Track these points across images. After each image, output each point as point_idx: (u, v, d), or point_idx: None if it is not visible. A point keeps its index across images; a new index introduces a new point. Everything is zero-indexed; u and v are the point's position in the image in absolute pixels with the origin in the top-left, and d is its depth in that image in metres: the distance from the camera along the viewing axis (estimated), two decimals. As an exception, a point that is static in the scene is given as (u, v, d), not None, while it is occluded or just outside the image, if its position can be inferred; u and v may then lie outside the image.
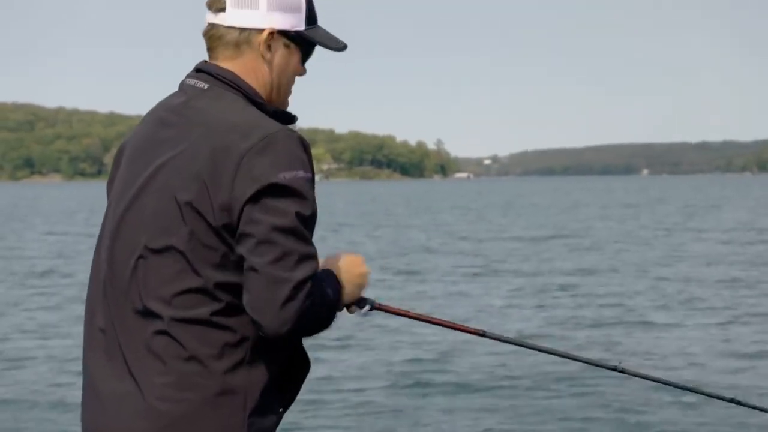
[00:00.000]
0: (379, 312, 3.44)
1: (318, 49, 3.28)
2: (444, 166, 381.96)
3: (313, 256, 2.95)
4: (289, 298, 2.86)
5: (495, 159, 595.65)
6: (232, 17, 3.10)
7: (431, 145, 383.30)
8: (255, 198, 2.89)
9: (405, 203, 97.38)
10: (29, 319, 19.06)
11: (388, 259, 34.16)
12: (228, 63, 3.14)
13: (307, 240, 2.95)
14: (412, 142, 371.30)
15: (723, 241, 40.99)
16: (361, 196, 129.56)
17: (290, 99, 3.30)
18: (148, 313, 2.97)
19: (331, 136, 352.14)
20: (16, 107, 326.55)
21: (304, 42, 3.19)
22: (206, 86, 3.12)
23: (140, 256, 2.99)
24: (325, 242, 39.50)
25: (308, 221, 2.95)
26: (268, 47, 3.13)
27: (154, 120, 3.16)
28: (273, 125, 3.02)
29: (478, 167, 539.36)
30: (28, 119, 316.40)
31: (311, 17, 3.21)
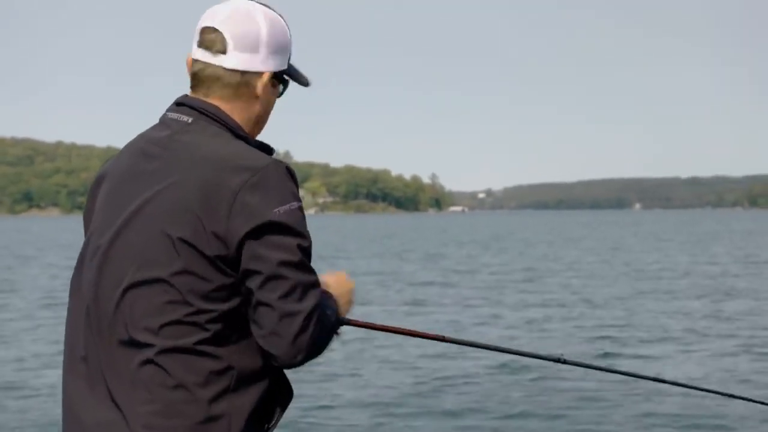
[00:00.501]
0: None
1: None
2: (439, 199, 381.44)
3: (317, 284, 3.03)
4: (302, 330, 2.93)
5: (489, 193, 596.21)
6: (234, 61, 3.12)
7: (426, 179, 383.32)
8: (254, 234, 2.92)
9: (399, 236, 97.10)
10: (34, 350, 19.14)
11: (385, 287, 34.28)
12: (220, 100, 3.15)
13: (311, 270, 3.02)
14: (407, 176, 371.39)
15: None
16: (356, 229, 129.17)
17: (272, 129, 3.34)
18: (134, 343, 2.97)
19: (326, 170, 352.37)
20: (16, 142, 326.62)
21: (285, 79, 3.26)
22: (190, 120, 3.12)
23: (126, 288, 2.99)
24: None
25: (308, 251, 3.01)
26: (262, 89, 3.19)
27: (135, 152, 3.15)
28: (261, 158, 3.05)
29: (472, 201, 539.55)
30: (28, 154, 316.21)
31: (290, 54, 3.28)
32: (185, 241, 2.93)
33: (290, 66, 3.25)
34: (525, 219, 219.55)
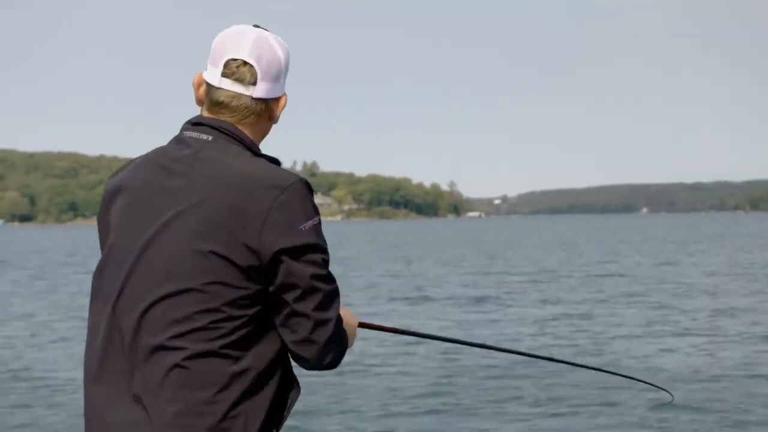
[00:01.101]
0: None
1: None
2: (457, 206, 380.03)
3: (338, 291, 3.09)
4: (333, 335, 3.02)
5: (504, 199, 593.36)
6: (261, 90, 3.12)
7: (445, 187, 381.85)
8: (287, 251, 2.96)
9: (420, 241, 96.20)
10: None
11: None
12: (239, 122, 3.15)
13: (334, 279, 3.08)
14: (427, 183, 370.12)
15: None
16: (380, 234, 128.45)
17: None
18: (161, 348, 2.97)
19: (351, 179, 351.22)
20: (62, 156, 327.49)
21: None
22: (210, 138, 3.10)
23: (158, 299, 2.99)
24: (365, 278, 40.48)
25: (328, 261, 3.07)
26: (280, 110, 3.25)
27: (155, 167, 3.13)
28: (286, 176, 3.07)
29: (488, 207, 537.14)
30: (73, 167, 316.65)
31: None
32: (217, 254, 2.95)
33: None
34: (537, 223, 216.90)
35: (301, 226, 2.97)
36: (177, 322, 2.95)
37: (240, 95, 3.11)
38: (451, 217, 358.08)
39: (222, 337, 2.96)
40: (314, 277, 2.96)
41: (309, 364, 3.04)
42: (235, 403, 2.97)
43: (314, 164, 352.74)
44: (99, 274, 3.14)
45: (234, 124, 3.13)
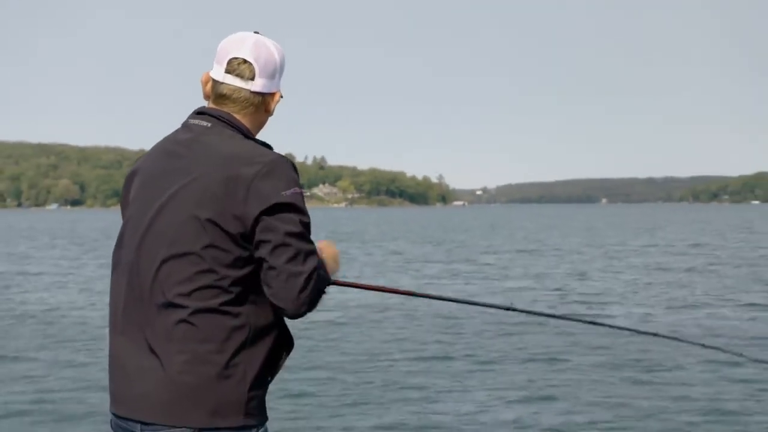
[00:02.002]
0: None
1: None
2: (444, 195, 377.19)
3: (315, 252, 2.99)
4: (304, 288, 2.90)
5: (485, 190, 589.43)
6: (258, 85, 3.11)
7: (434, 179, 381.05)
8: (267, 212, 2.91)
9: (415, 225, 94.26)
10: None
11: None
12: (239, 112, 3.14)
13: (310, 240, 2.98)
14: (419, 176, 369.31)
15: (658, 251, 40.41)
16: (379, 219, 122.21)
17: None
18: (170, 306, 2.95)
19: (354, 172, 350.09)
20: (108, 150, 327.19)
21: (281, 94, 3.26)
22: (209, 125, 3.08)
23: (163, 261, 2.97)
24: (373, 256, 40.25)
25: (308, 226, 2.97)
26: (274, 104, 3.21)
27: (164, 152, 3.12)
28: (269, 153, 3.04)
29: (471, 196, 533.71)
30: (117, 159, 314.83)
31: None
32: (211, 221, 2.93)
33: None
34: (512, 211, 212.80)
35: (282, 192, 2.93)
36: (181, 283, 2.94)
37: (240, 89, 3.10)
38: (439, 205, 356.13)
39: (221, 295, 2.94)
40: (288, 234, 2.91)
41: (287, 315, 2.99)
42: (235, 354, 2.95)
43: (323, 159, 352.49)
44: (118, 245, 3.15)
45: (235, 113, 3.12)
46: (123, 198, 3.22)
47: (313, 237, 2.99)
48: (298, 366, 11.62)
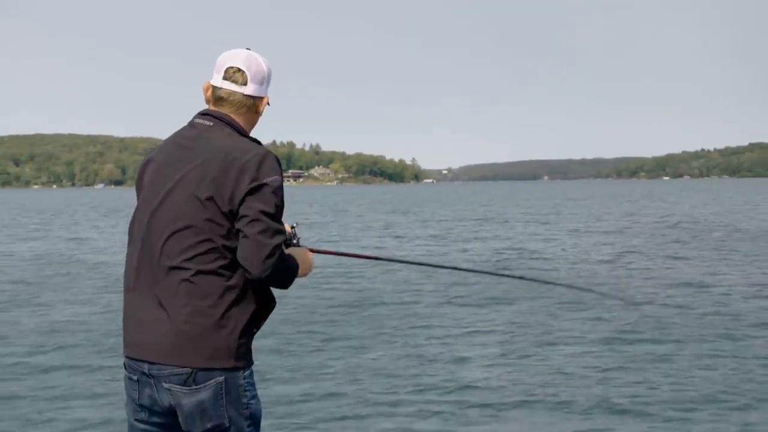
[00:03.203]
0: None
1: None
2: (417, 174, 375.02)
3: (283, 231, 2.92)
4: (269, 256, 2.85)
5: (450, 170, 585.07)
6: (250, 90, 3.05)
7: (408, 161, 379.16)
8: (250, 192, 2.87)
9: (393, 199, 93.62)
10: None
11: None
12: (234, 113, 3.07)
13: (280, 221, 2.93)
14: (396, 159, 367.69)
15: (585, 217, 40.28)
16: (363, 194, 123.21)
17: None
18: (175, 268, 2.91)
19: (343, 156, 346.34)
20: (143, 139, 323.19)
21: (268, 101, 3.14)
22: (211, 124, 3.03)
23: (171, 233, 2.93)
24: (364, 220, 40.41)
25: (281, 209, 2.92)
26: (263, 108, 3.13)
27: (174, 145, 3.06)
28: (261, 148, 2.98)
29: (439, 175, 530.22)
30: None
31: None
32: (210, 200, 2.90)
33: None
34: (472, 188, 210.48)
35: (264, 180, 2.90)
36: (185, 250, 2.92)
37: (235, 92, 3.06)
38: (412, 183, 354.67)
39: (218, 260, 2.90)
40: (262, 211, 2.87)
41: (252, 276, 2.89)
42: (228, 309, 2.91)
43: (317, 145, 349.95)
44: (133, 221, 3.10)
45: (231, 114, 3.06)
46: (138, 182, 3.16)
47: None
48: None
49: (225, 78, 3.08)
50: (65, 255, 23.00)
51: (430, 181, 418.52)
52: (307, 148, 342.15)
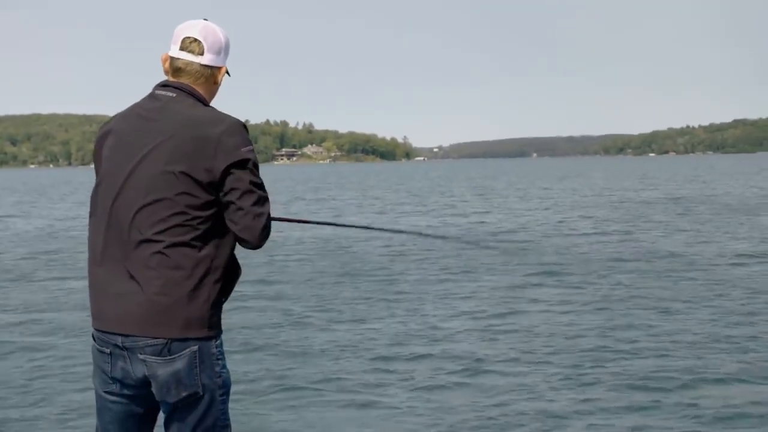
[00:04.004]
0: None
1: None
2: (408, 153, 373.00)
3: (268, 198, 2.96)
4: (266, 225, 2.90)
5: (440, 148, 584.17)
6: (207, 59, 3.01)
7: (400, 140, 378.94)
8: (234, 166, 2.86)
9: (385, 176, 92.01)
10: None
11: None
12: (193, 83, 3.02)
13: (265, 188, 2.95)
14: (388, 137, 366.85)
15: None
16: (358, 173, 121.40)
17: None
18: (147, 241, 2.86)
19: (336, 135, 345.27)
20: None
21: (227, 71, 3.12)
22: (174, 95, 2.97)
23: (141, 207, 2.87)
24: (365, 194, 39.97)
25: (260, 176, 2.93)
26: (221, 78, 3.09)
27: (134, 116, 2.98)
28: (228, 116, 2.95)
29: (430, 153, 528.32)
30: None
31: None
32: (184, 173, 2.85)
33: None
34: (462, 165, 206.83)
35: (242, 149, 2.89)
36: (157, 223, 2.87)
37: (192, 62, 3.01)
38: (404, 161, 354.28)
39: (190, 232, 2.88)
40: (251, 183, 2.88)
41: (251, 246, 2.94)
42: (201, 279, 2.89)
43: (311, 124, 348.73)
44: (95, 193, 3.04)
45: (191, 84, 3.02)
46: (96, 154, 3.08)
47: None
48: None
49: (182, 48, 3.03)
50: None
51: (422, 159, 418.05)
52: (300, 127, 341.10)
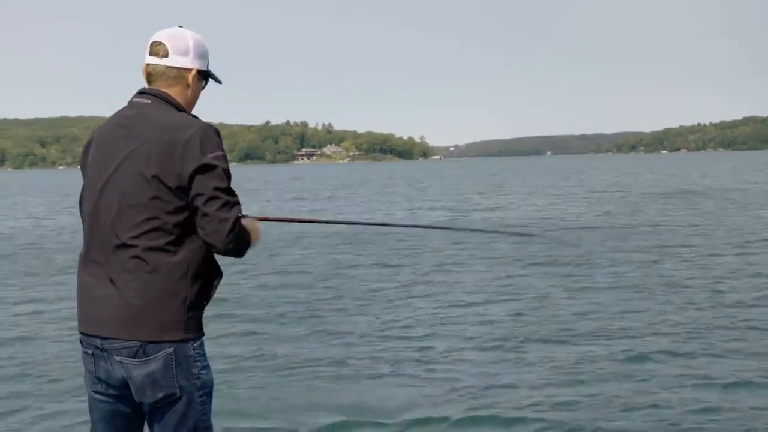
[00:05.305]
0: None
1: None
2: (425, 152, 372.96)
3: (239, 203, 2.90)
4: (231, 230, 2.83)
5: (456, 147, 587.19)
6: (171, 61, 2.99)
7: (417, 139, 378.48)
8: (199, 171, 2.82)
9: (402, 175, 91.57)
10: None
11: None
12: (166, 88, 3.01)
13: (234, 193, 2.89)
14: (405, 137, 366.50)
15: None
16: (374, 171, 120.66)
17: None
18: (124, 245, 2.87)
19: (355, 134, 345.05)
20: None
21: (206, 76, 3.11)
22: (149, 101, 2.98)
23: (118, 212, 2.88)
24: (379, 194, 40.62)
25: (230, 180, 2.89)
26: (191, 80, 3.05)
27: (115, 124, 3.00)
28: (198, 122, 2.92)
29: (446, 152, 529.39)
30: None
31: (208, 62, 3.11)
32: (156, 177, 2.84)
33: (209, 69, 3.12)
34: (477, 164, 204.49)
35: (209, 155, 2.84)
36: (132, 228, 2.87)
37: (157, 65, 3.01)
38: (421, 159, 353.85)
39: (164, 236, 2.86)
40: (216, 188, 2.83)
41: (217, 251, 2.89)
42: (176, 282, 2.87)
43: (330, 125, 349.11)
44: (81, 201, 3.08)
45: (164, 89, 3.01)
46: (82, 163, 3.11)
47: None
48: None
49: (150, 53, 3.04)
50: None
51: (438, 157, 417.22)
52: (319, 127, 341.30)
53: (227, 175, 2.90)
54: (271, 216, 3.49)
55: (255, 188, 53.35)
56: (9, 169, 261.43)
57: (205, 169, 2.84)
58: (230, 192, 2.89)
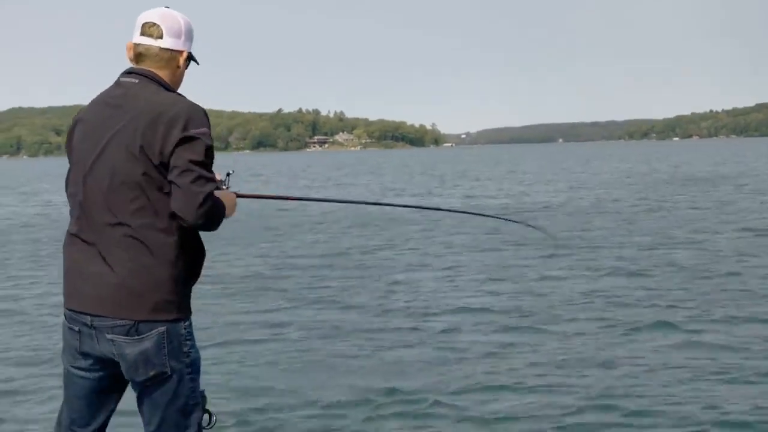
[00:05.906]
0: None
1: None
2: (437, 139, 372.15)
3: (213, 179, 2.88)
4: (202, 204, 2.80)
5: (468, 134, 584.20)
6: (166, 43, 2.99)
7: (428, 126, 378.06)
8: (179, 143, 2.81)
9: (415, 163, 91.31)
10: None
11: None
12: (156, 69, 2.99)
13: (210, 169, 2.87)
14: (417, 124, 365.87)
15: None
16: (387, 158, 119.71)
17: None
18: (117, 224, 2.86)
19: (367, 122, 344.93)
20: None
21: (191, 58, 3.11)
22: (137, 81, 2.96)
23: (108, 190, 2.86)
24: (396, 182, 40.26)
25: (211, 158, 2.87)
26: (182, 62, 3.05)
27: (101, 104, 2.99)
28: (185, 101, 2.93)
29: (458, 139, 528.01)
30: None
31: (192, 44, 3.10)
32: (143, 154, 2.83)
33: (191, 51, 3.12)
34: (489, 151, 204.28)
35: (192, 131, 2.84)
36: (122, 206, 2.87)
37: (151, 46, 3.00)
38: (432, 147, 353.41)
39: (154, 214, 2.86)
40: (191, 161, 2.81)
41: (187, 224, 2.85)
42: (169, 262, 2.88)
43: (342, 113, 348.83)
44: (67, 181, 3.06)
45: (153, 70, 3.00)
46: (68, 143, 3.09)
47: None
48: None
49: (142, 34, 3.03)
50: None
51: (450, 145, 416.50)
52: (331, 115, 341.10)
53: (208, 153, 2.89)
54: (243, 192, 3.45)
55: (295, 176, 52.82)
56: (24, 156, 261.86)
57: (184, 141, 2.84)
58: (206, 166, 2.87)
